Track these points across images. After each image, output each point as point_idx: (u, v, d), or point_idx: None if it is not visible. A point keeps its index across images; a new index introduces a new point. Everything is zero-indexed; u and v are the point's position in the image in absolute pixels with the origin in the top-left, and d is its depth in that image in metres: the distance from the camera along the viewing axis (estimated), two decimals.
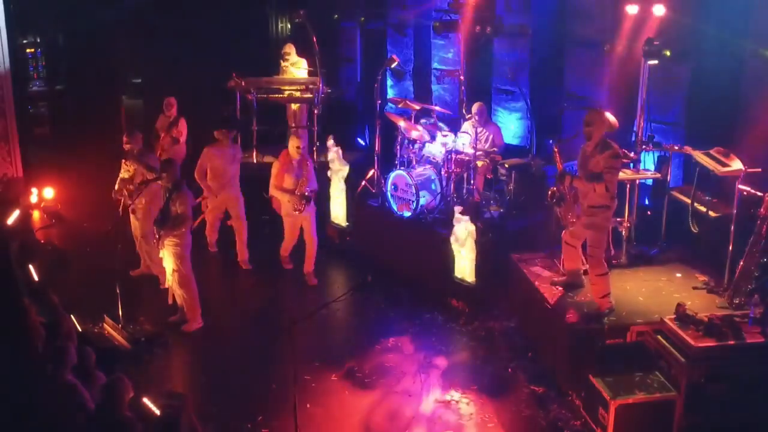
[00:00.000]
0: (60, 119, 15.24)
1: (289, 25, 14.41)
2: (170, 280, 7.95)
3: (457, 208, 8.42)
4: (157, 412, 5.72)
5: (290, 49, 11.44)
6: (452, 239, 8.44)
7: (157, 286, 8.80)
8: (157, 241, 7.76)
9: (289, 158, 8.75)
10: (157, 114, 11.31)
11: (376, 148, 10.10)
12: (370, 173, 10.06)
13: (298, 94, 11.11)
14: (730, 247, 7.11)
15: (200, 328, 7.99)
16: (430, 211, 9.18)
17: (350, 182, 10.10)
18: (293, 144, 8.74)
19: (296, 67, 11.39)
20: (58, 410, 5.48)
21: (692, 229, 7.60)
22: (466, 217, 8.28)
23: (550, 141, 9.69)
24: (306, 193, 8.73)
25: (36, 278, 8.76)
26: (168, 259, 7.82)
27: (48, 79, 15.75)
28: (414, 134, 9.52)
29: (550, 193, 7.10)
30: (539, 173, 9.32)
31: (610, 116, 7.12)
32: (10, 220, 10.10)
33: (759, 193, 6.82)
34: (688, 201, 7.64)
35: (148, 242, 8.70)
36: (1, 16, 10.95)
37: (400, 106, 10.00)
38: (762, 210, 6.69)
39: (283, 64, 11.53)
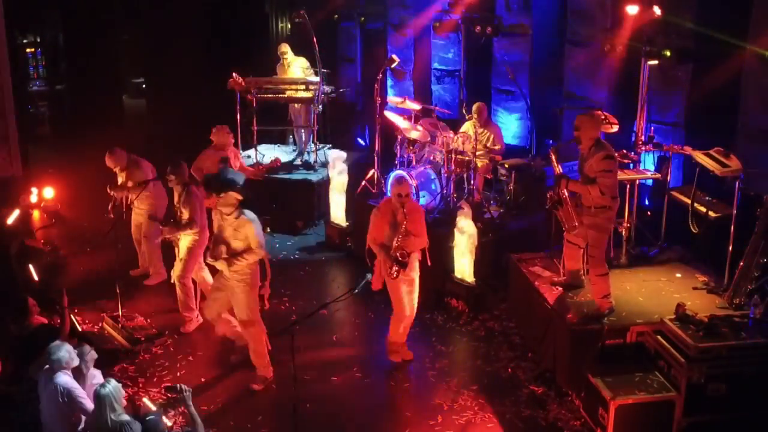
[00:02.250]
0: (60, 119, 15.26)
1: (289, 25, 14.41)
2: (175, 269, 7.91)
3: (463, 204, 8.40)
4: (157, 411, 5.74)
5: (285, 48, 11.42)
6: (456, 231, 8.40)
7: (156, 285, 8.83)
8: (164, 238, 7.75)
9: (390, 206, 7.06)
10: (156, 114, 11.30)
11: (376, 148, 10.10)
12: (370, 173, 10.06)
13: (298, 94, 11.11)
14: (730, 247, 7.12)
15: (199, 327, 7.99)
16: (430, 212, 9.17)
17: (350, 182, 10.10)
18: (394, 190, 7.01)
19: (296, 66, 11.39)
20: (55, 410, 5.49)
21: (692, 229, 7.60)
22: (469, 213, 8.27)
23: (550, 141, 9.74)
24: (399, 256, 6.96)
25: (36, 278, 8.79)
26: (183, 249, 7.79)
27: (48, 79, 15.75)
28: (414, 134, 9.52)
29: (548, 197, 7.05)
30: (539, 173, 9.33)
31: (604, 117, 7.06)
32: (10, 220, 10.11)
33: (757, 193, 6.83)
34: (688, 201, 7.63)
35: (150, 242, 8.70)
36: (1, 16, 10.93)
37: (400, 106, 10.01)
38: (762, 210, 6.69)
39: (283, 63, 11.52)
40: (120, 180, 8.73)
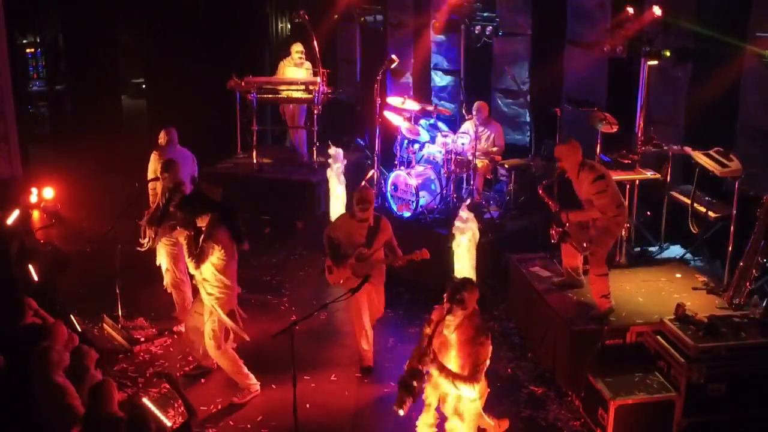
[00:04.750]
0: (60, 119, 15.26)
1: (289, 25, 14.42)
2: (165, 278, 7.95)
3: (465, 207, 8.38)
4: (157, 412, 5.73)
5: (300, 47, 11.40)
6: (456, 232, 8.38)
7: (156, 285, 8.82)
8: (153, 238, 7.72)
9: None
10: (156, 114, 11.26)
11: (376, 148, 10.10)
12: (370, 173, 10.05)
13: (298, 94, 11.11)
14: (730, 248, 7.12)
15: None
16: (430, 212, 9.18)
17: (349, 182, 10.10)
18: None
19: (300, 69, 11.38)
20: (48, 411, 5.48)
21: (692, 229, 7.60)
22: (471, 215, 8.24)
23: (549, 142, 9.73)
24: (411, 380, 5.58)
25: (36, 278, 8.78)
26: (163, 258, 7.82)
27: (48, 79, 15.76)
28: (414, 134, 9.52)
29: (553, 233, 6.95)
30: (539, 173, 9.32)
31: (603, 117, 7.03)
32: (10, 220, 10.11)
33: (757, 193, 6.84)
34: (688, 201, 7.63)
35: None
36: (1, 17, 10.94)
37: (399, 106, 10.00)
38: (762, 210, 6.69)
39: (285, 63, 11.49)
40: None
